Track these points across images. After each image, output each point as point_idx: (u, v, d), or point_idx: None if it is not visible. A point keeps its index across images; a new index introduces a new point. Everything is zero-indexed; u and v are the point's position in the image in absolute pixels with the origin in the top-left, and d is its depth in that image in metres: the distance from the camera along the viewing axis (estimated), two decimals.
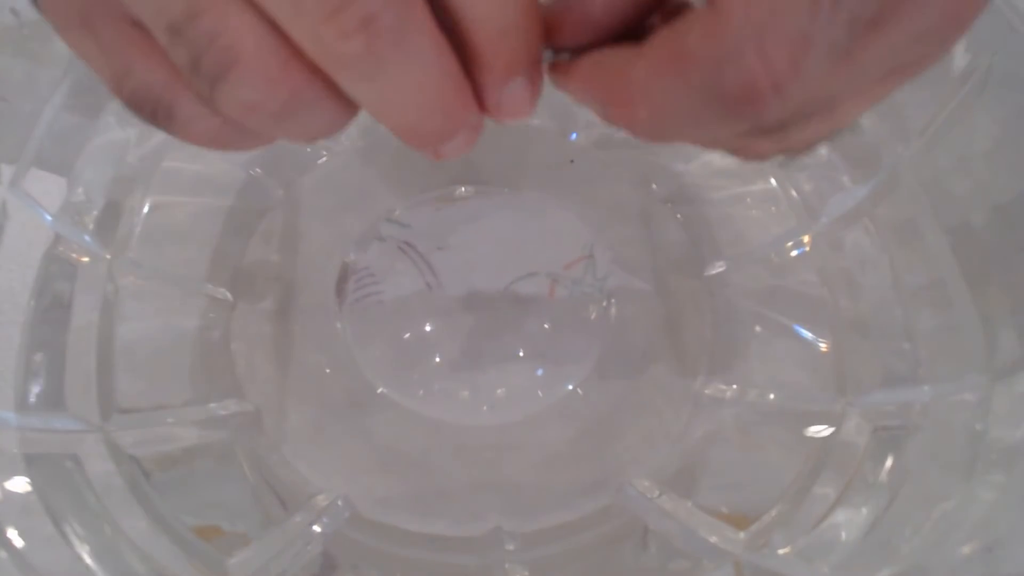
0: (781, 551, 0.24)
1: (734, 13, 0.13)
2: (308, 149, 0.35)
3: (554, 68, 0.17)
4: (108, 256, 0.29)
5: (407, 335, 0.30)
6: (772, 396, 0.29)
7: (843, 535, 0.25)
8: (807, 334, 0.30)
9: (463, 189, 0.34)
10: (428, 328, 0.30)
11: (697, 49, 0.13)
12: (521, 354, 0.30)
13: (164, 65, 0.14)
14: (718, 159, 0.35)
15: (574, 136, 0.35)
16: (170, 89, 0.15)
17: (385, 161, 0.34)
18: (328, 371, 0.30)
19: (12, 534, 0.22)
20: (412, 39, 0.13)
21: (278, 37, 0.13)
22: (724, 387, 0.30)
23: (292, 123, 0.14)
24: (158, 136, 0.32)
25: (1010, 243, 0.26)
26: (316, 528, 0.26)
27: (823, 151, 0.33)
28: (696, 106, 0.14)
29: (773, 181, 0.34)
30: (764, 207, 0.34)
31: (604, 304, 0.32)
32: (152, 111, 0.15)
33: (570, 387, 0.30)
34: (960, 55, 0.27)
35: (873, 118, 0.31)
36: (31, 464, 0.24)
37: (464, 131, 0.15)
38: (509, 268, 0.31)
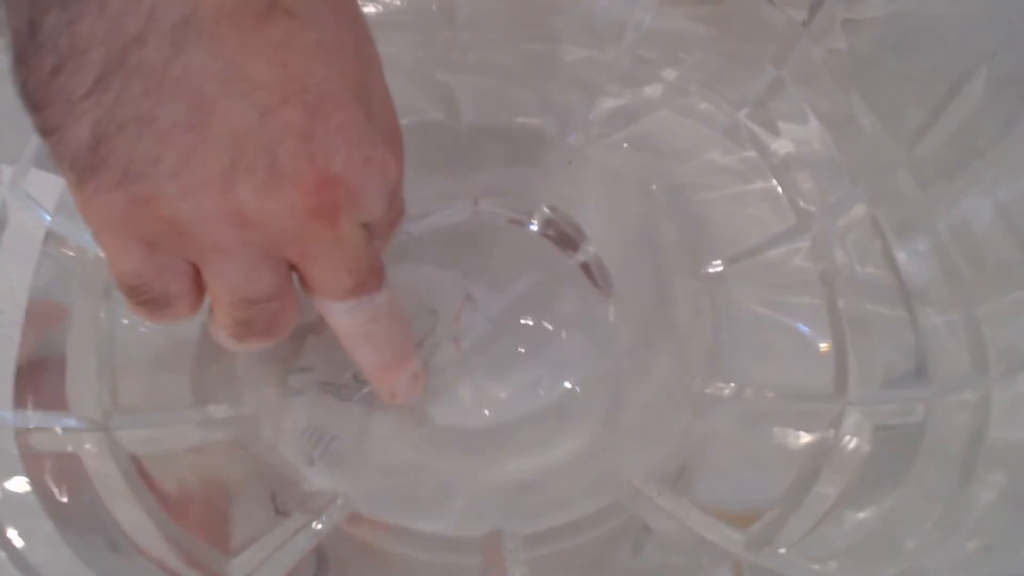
0: (781, 551, 0.24)
1: None
2: None
3: None
4: None
5: None
6: (772, 395, 0.29)
7: (843, 535, 0.25)
8: (807, 333, 0.30)
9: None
10: None
11: None
12: (521, 354, 0.30)
13: (177, 283, 0.21)
14: (718, 158, 0.35)
15: (573, 136, 0.35)
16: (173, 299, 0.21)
17: None
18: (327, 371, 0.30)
19: (12, 534, 0.22)
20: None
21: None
22: (724, 387, 0.30)
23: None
24: None
25: (1010, 243, 0.26)
26: (315, 527, 0.26)
27: (822, 151, 0.33)
28: None
29: (773, 181, 0.34)
30: (764, 207, 0.34)
31: (604, 304, 0.32)
32: (148, 300, 0.21)
33: (570, 387, 0.30)
34: (960, 55, 0.27)
35: (873, 118, 0.31)
36: (31, 464, 0.24)
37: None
38: None
